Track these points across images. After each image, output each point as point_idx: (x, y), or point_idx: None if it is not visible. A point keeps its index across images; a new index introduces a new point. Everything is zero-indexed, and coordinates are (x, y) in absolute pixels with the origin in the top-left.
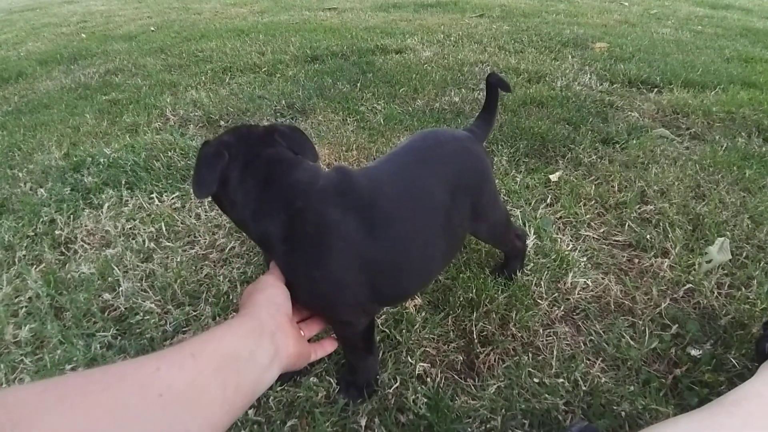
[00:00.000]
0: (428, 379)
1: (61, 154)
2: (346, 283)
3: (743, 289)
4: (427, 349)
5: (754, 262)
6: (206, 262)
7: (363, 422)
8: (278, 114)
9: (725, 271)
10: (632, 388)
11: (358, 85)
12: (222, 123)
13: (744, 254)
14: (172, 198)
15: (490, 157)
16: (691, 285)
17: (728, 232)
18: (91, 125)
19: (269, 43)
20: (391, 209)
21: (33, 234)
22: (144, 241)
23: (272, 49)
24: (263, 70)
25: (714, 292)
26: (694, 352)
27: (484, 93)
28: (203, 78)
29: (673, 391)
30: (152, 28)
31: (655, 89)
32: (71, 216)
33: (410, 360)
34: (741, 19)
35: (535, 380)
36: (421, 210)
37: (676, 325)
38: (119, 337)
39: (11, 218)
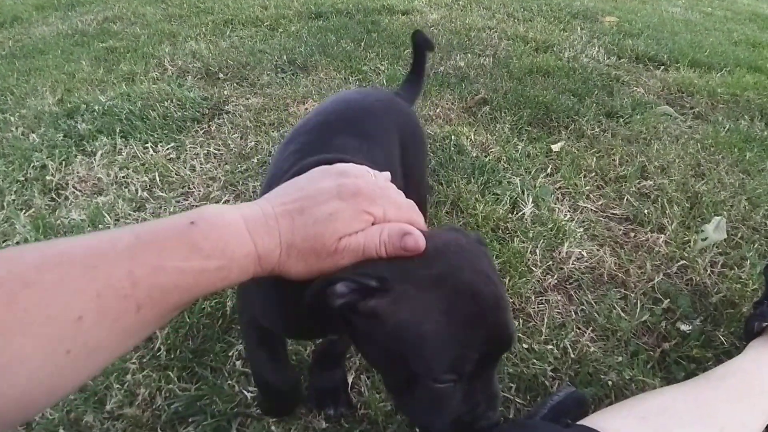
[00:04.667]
0: None
1: (55, 100)
2: None
3: (736, 268)
4: None
5: (749, 243)
6: None
7: (350, 379)
8: (279, 69)
9: (719, 250)
10: (620, 358)
11: (362, 44)
12: (221, 75)
13: (739, 235)
14: (167, 148)
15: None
16: (685, 261)
17: (725, 212)
18: (87, 72)
19: None
20: None
21: (23, 179)
22: (137, 190)
23: (275, 4)
24: (265, 24)
25: (707, 270)
26: (683, 327)
27: (413, 54)
28: (203, 29)
29: (661, 364)
30: None
31: (662, 67)
32: (63, 162)
33: None
34: (751, 4)
35: (524, 346)
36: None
37: (668, 300)
38: None
39: (1, 162)
